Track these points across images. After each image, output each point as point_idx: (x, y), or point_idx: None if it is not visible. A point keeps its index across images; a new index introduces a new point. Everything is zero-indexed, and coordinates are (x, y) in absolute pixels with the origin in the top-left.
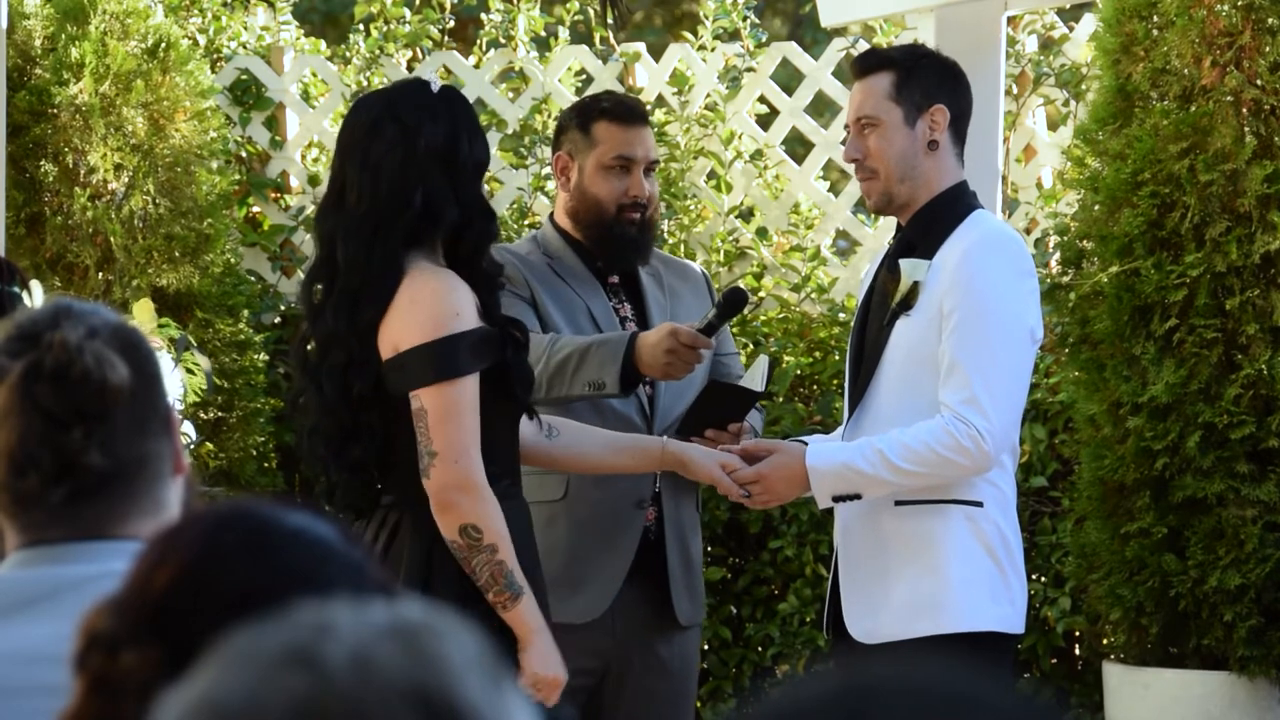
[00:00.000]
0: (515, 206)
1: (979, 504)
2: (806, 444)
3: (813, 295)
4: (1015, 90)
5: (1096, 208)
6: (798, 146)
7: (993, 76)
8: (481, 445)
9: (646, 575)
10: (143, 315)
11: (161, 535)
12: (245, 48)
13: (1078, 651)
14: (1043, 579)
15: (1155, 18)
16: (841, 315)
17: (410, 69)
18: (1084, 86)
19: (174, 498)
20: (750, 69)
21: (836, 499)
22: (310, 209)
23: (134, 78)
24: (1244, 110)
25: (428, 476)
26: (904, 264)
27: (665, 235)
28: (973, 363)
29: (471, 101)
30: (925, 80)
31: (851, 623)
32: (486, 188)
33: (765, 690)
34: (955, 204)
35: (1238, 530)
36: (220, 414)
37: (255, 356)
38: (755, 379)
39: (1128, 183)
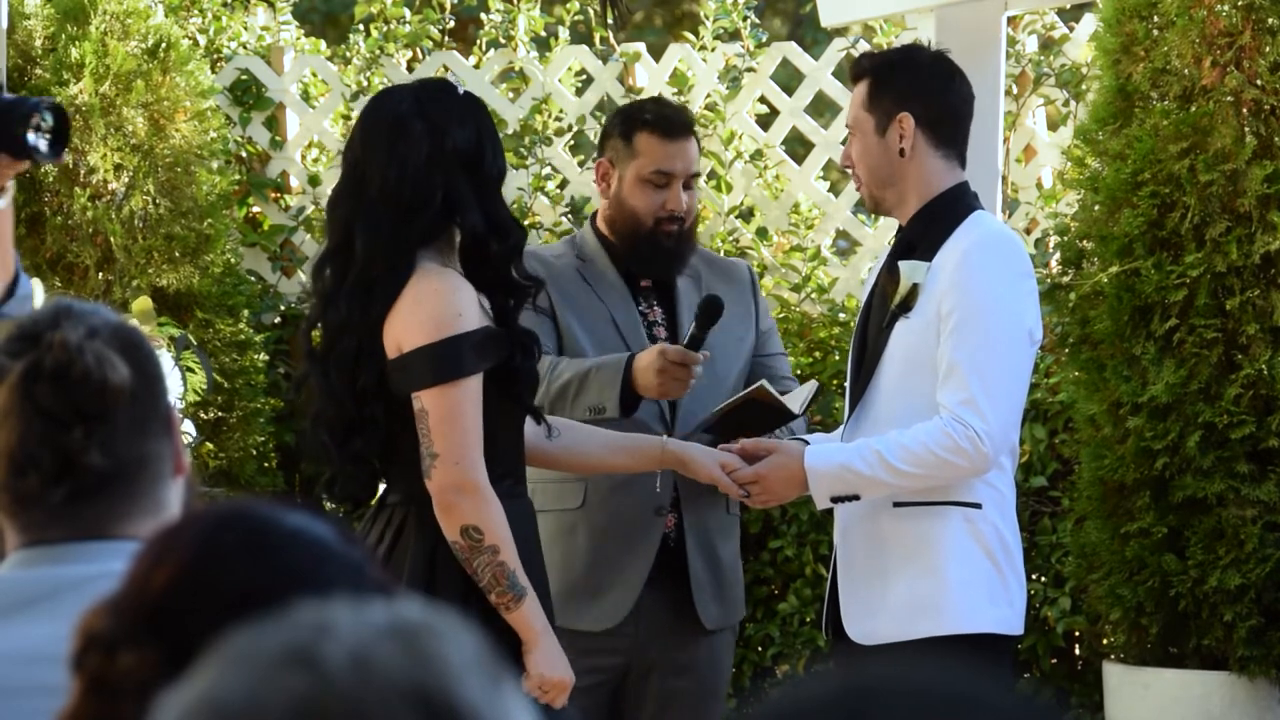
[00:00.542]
0: (515, 207)
1: (977, 505)
2: (807, 444)
3: (813, 295)
4: (1015, 90)
5: (1096, 208)
6: (798, 146)
7: (993, 76)
8: (485, 445)
9: (668, 581)
10: (141, 312)
11: (160, 535)
12: (245, 48)
13: (1078, 651)
14: (1043, 579)
15: (1155, 18)
16: (841, 315)
17: (410, 69)
18: (1084, 86)
19: (174, 498)
20: (750, 69)
21: (835, 500)
22: (310, 209)
23: (134, 78)
24: (1244, 110)
25: (429, 477)
26: (903, 266)
27: None
28: (971, 364)
29: None
30: (897, 87)
31: (850, 624)
32: None
33: (765, 690)
34: (954, 205)
35: (1238, 530)
36: (220, 414)
37: (255, 356)
38: (797, 401)
39: (1128, 183)
